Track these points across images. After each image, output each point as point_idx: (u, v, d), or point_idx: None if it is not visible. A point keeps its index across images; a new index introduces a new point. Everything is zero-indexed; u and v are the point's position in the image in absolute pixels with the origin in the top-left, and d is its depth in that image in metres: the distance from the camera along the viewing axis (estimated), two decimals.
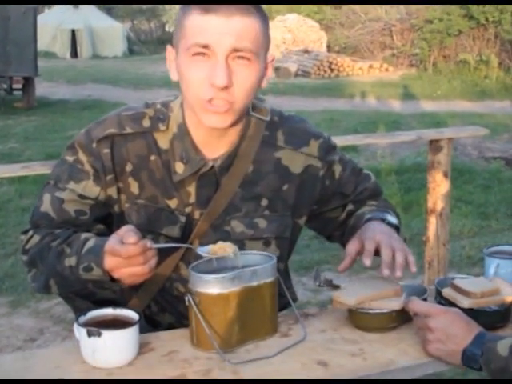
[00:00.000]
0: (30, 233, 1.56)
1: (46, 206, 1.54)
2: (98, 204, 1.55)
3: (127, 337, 1.30)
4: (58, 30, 23.85)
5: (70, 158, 1.55)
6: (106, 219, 1.58)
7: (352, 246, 1.52)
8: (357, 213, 1.69)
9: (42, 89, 13.36)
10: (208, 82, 1.38)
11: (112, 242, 1.33)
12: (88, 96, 13.65)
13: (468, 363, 1.32)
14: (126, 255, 1.31)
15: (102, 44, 24.69)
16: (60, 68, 18.36)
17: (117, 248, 1.31)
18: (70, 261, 1.43)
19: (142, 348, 1.37)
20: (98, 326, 1.29)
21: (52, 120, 10.94)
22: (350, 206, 1.71)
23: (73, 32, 24.16)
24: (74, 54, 24.28)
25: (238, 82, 1.39)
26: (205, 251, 1.38)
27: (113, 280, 1.39)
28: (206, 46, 1.37)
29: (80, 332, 1.30)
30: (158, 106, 1.57)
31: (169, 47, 1.49)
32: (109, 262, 1.35)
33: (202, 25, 1.37)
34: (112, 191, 1.55)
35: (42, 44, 18.47)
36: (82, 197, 1.53)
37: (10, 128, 10.31)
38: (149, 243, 1.33)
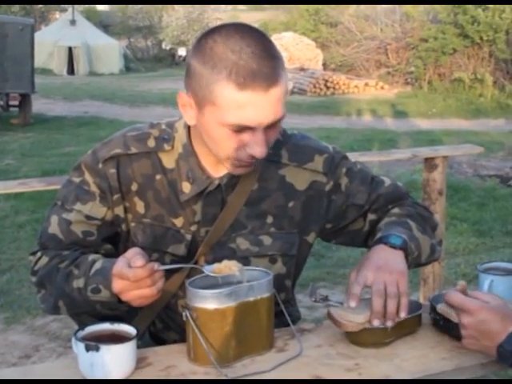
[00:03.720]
0: (39, 254, 1.58)
1: (54, 227, 1.56)
2: (105, 224, 1.57)
3: (125, 351, 1.30)
4: (55, 47, 23.90)
5: (76, 180, 1.58)
6: (114, 238, 1.60)
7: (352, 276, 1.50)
8: (378, 225, 1.64)
9: (38, 105, 13.38)
10: (244, 150, 1.41)
11: (119, 265, 1.35)
12: (84, 113, 13.67)
13: (501, 359, 1.34)
14: (133, 278, 1.34)
15: (99, 61, 24.74)
16: (57, 85, 18.40)
17: (124, 271, 1.34)
18: (78, 282, 1.45)
19: (140, 363, 1.37)
20: (95, 341, 1.30)
21: (48, 136, 10.96)
22: (372, 216, 1.68)
23: (70, 49, 24.22)
24: (71, 70, 24.31)
25: (268, 143, 1.43)
26: (210, 270, 1.39)
27: (120, 301, 1.41)
28: (246, 127, 1.38)
29: (78, 346, 1.30)
30: (163, 127, 1.59)
31: (182, 94, 1.46)
32: (117, 285, 1.37)
33: (240, 103, 1.36)
34: (119, 210, 1.57)
35: (39, 61, 18.49)
36: (88, 218, 1.55)
37: (6, 144, 10.31)
38: (156, 265, 1.35)
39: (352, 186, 1.66)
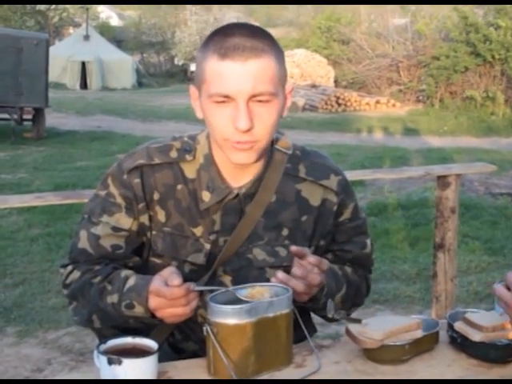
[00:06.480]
0: (70, 268, 1.62)
1: (84, 242, 1.61)
2: (132, 235, 1.61)
3: (147, 365, 1.31)
4: (69, 61, 24.14)
5: (102, 193, 1.62)
6: (140, 249, 1.64)
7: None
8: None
9: (51, 119, 13.49)
10: (232, 126, 1.44)
11: (156, 283, 1.40)
12: (97, 127, 13.77)
13: None
14: (170, 297, 1.37)
15: (112, 76, 24.94)
16: (70, 99, 18.54)
17: (162, 290, 1.38)
18: (112, 298, 1.49)
19: (160, 377, 1.38)
20: (117, 354, 1.31)
21: (61, 151, 11.04)
22: (329, 256, 1.71)
23: (83, 64, 24.44)
24: (84, 85, 24.53)
25: (259, 122, 1.45)
26: (243, 294, 1.41)
27: (153, 316, 1.45)
28: (226, 96, 1.43)
29: (100, 360, 1.32)
30: (185, 139, 1.64)
31: (192, 87, 1.55)
32: (153, 302, 1.42)
33: (219, 72, 1.42)
34: (144, 219, 1.61)
35: (53, 75, 18.65)
36: (115, 229, 1.59)
37: (19, 158, 10.40)
38: (191, 286, 1.39)
39: (347, 224, 1.69)
